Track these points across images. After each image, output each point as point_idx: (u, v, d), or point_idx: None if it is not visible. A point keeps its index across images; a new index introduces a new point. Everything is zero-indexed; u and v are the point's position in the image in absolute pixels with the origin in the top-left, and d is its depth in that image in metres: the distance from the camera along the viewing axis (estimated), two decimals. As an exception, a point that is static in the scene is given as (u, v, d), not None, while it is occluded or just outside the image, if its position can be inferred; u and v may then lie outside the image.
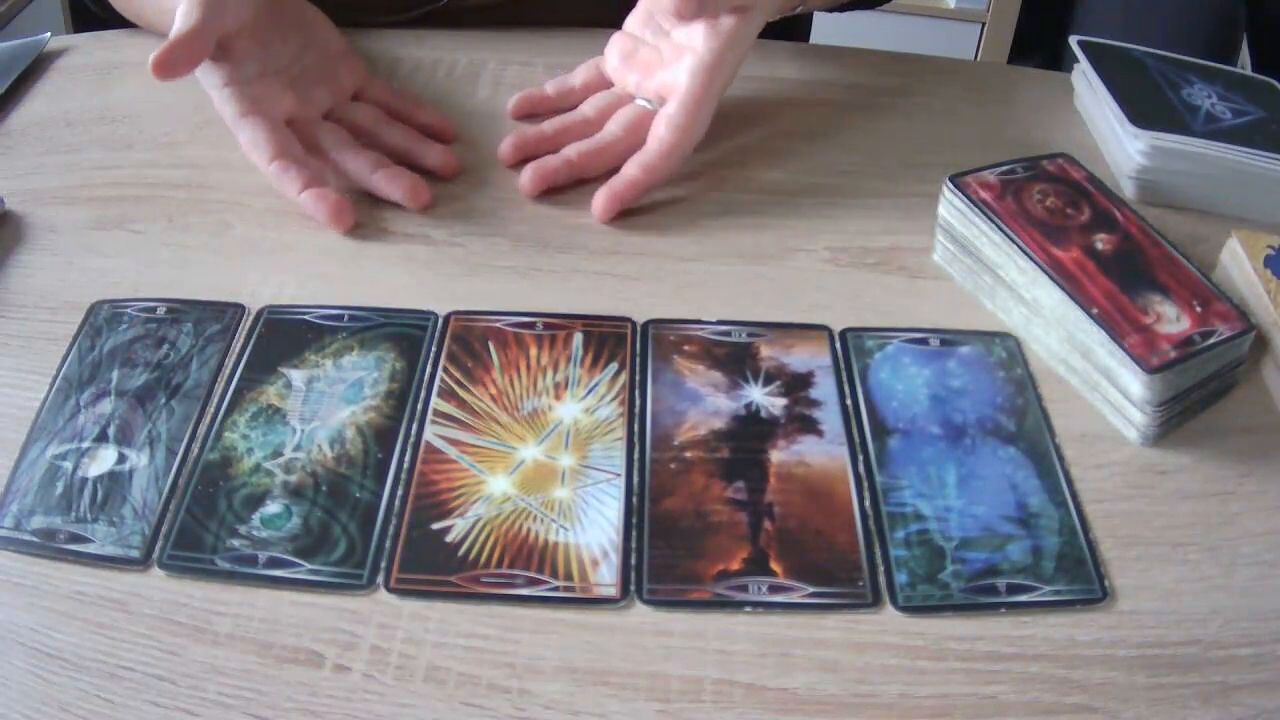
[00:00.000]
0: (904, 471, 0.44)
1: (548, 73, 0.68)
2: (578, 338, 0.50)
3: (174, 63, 0.52)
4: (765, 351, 0.49)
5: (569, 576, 0.40)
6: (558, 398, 0.47)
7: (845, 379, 0.48)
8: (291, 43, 0.59)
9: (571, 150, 0.58)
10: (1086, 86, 0.65)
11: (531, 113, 0.63)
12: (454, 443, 0.45)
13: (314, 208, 0.54)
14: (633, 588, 0.40)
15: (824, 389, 0.48)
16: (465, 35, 0.71)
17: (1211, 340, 0.46)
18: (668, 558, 0.41)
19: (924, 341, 0.50)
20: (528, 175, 0.57)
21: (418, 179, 0.57)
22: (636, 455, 0.45)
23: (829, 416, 0.47)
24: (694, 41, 0.57)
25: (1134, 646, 0.39)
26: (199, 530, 0.41)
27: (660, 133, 0.56)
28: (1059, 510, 0.43)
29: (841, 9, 0.75)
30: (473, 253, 0.55)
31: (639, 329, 0.50)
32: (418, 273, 0.53)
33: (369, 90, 0.62)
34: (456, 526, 0.42)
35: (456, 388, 0.47)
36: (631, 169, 0.56)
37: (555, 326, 0.50)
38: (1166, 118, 0.59)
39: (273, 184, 0.55)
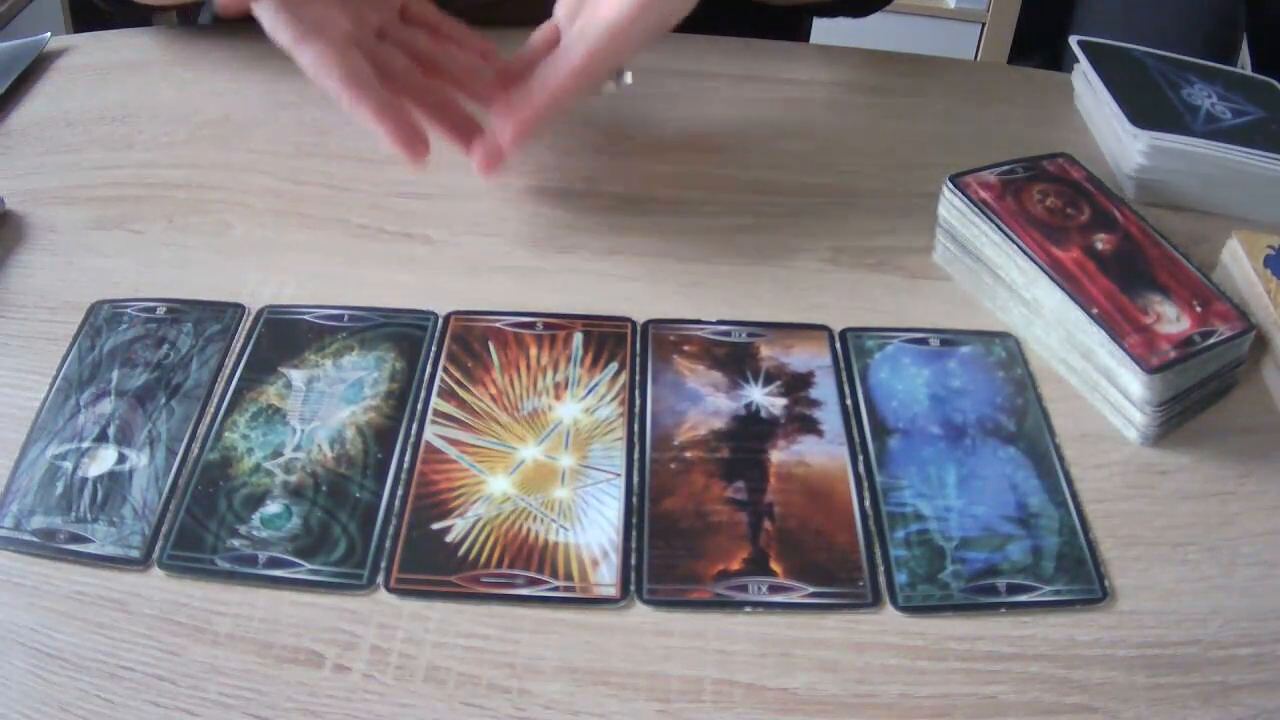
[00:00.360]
0: (904, 471, 0.44)
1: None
2: (578, 338, 0.50)
3: None
4: (765, 351, 0.49)
5: (569, 576, 0.40)
6: (558, 398, 0.47)
7: (845, 379, 0.48)
8: None
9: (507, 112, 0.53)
10: (1086, 86, 0.65)
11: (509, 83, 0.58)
12: (454, 443, 0.45)
13: (389, 136, 0.51)
14: (633, 588, 0.40)
15: (824, 389, 0.48)
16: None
17: (1211, 340, 0.46)
18: (668, 558, 0.41)
19: (924, 341, 0.50)
20: (477, 161, 0.53)
21: (492, 143, 0.53)
22: (636, 455, 0.45)
23: (829, 416, 0.47)
24: None
25: (1134, 646, 0.39)
26: (199, 530, 0.41)
27: (571, 50, 0.52)
28: (1059, 510, 0.43)
29: (828, 13, 0.74)
30: (473, 253, 0.55)
31: (639, 329, 0.50)
32: (418, 273, 0.53)
33: (412, 8, 0.59)
34: (456, 526, 0.42)
35: (456, 388, 0.47)
36: (535, 91, 0.51)
37: (555, 326, 0.50)
38: (1166, 118, 0.59)
39: (342, 106, 0.51)
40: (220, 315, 0.50)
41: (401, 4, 0.59)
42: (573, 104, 0.53)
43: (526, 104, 0.52)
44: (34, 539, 0.41)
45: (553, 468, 0.44)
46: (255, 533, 0.41)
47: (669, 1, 0.53)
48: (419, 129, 0.52)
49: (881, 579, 0.41)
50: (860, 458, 0.45)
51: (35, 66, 0.67)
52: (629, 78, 0.57)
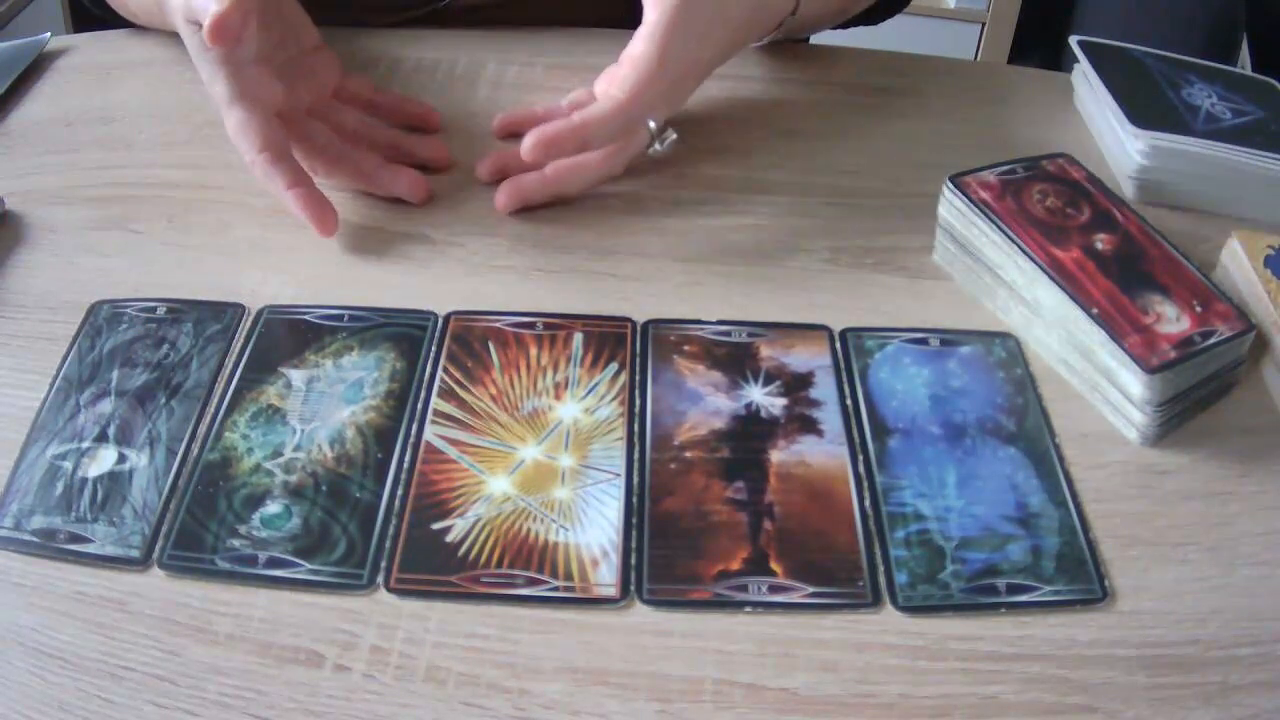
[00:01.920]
0: (904, 471, 0.44)
1: (547, 73, 0.68)
2: (578, 338, 0.50)
3: (228, 26, 0.49)
4: (765, 351, 0.49)
5: (569, 576, 0.40)
6: (558, 398, 0.47)
7: (845, 379, 0.48)
8: (274, 32, 0.57)
9: (550, 167, 0.56)
10: (1086, 86, 0.65)
11: (516, 131, 0.60)
12: (454, 443, 0.45)
13: (300, 207, 0.52)
14: (633, 588, 0.40)
15: (824, 389, 0.48)
16: (465, 35, 0.71)
17: (1211, 340, 0.46)
18: (668, 558, 0.41)
19: (924, 341, 0.50)
20: (502, 193, 0.56)
21: (416, 174, 0.56)
22: (636, 455, 0.45)
23: (829, 416, 0.47)
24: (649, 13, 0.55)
25: (1134, 646, 0.39)
26: (199, 530, 0.41)
27: (606, 90, 0.55)
28: (1059, 510, 0.43)
29: (843, 25, 0.75)
30: (473, 253, 0.55)
31: (639, 329, 0.50)
32: (418, 273, 0.53)
33: (348, 86, 0.61)
34: (456, 526, 0.42)
35: (456, 388, 0.47)
36: (574, 121, 0.53)
37: (555, 326, 0.50)
38: (1166, 118, 0.59)
39: (257, 175, 0.53)
40: (220, 315, 0.50)
41: (336, 84, 0.61)
42: (605, 143, 0.55)
43: (556, 130, 0.53)
44: (34, 539, 0.41)
45: (553, 468, 0.44)
46: (255, 533, 0.41)
47: (694, 16, 0.54)
48: (327, 204, 0.53)
49: (881, 579, 0.41)
50: (860, 458, 0.45)
51: (35, 66, 0.67)
52: (672, 135, 0.58)
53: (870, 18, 0.75)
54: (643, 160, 0.59)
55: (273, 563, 0.40)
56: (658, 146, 0.58)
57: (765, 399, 0.47)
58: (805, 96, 0.68)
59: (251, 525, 0.42)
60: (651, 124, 0.57)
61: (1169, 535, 0.43)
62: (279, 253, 0.54)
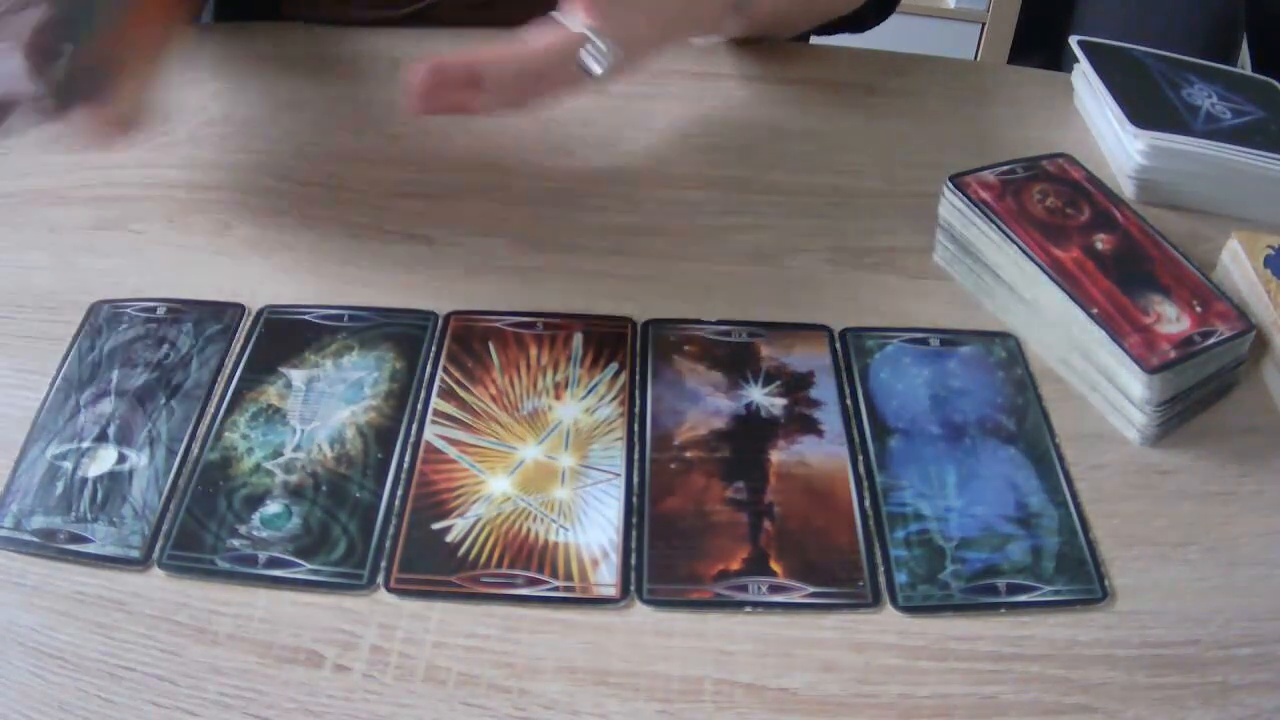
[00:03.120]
0: (904, 471, 0.44)
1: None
2: (578, 338, 0.50)
3: None
4: (765, 351, 0.49)
5: (569, 576, 0.40)
6: (558, 398, 0.47)
7: (845, 379, 0.48)
8: None
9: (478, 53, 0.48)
10: (1086, 86, 0.65)
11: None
12: (454, 443, 0.45)
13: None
14: (633, 588, 0.40)
15: (824, 389, 0.48)
16: (464, 35, 0.71)
17: (1211, 340, 0.46)
18: (668, 558, 0.41)
19: (924, 341, 0.50)
20: (421, 71, 0.47)
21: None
22: (636, 455, 0.45)
23: (829, 416, 0.47)
24: None
25: (1134, 646, 0.39)
26: (199, 530, 0.41)
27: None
28: (1059, 510, 0.43)
29: (827, 31, 0.74)
30: (473, 253, 0.55)
31: (639, 329, 0.50)
32: (418, 273, 0.53)
33: None
34: (456, 526, 0.42)
35: (456, 388, 0.47)
36: (476, 52, 0.47)
37: (555, 326, 0.50)
38: (1166, 118, 0.59)
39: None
40: (220, 315, 0.50)
41: None
42: (554, 50, 0.48)
43: (438, 68, 0.47)
44: (34, 539, 0.41)
45: (553, 468, 0.44)
46: (255, 533, 0.41)
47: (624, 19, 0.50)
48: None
49: (881, 579, 0.41)
50: (860, 458, 0.45)
51: (35, 66, 0.67)
52: (618, 52, 0.49)
53: (857, 25, 0.74)
54: (643, 160, 0.59)
55: (273, 563, 0.40)
56: (594, 63, 0.49)
57: (765, 399, 0.47)
58: (805, 96, 0.68)
59: (251, 525, 0.42)
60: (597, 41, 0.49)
61: (1169, 535, 0.43)
62: (279, 253, 0.54)
